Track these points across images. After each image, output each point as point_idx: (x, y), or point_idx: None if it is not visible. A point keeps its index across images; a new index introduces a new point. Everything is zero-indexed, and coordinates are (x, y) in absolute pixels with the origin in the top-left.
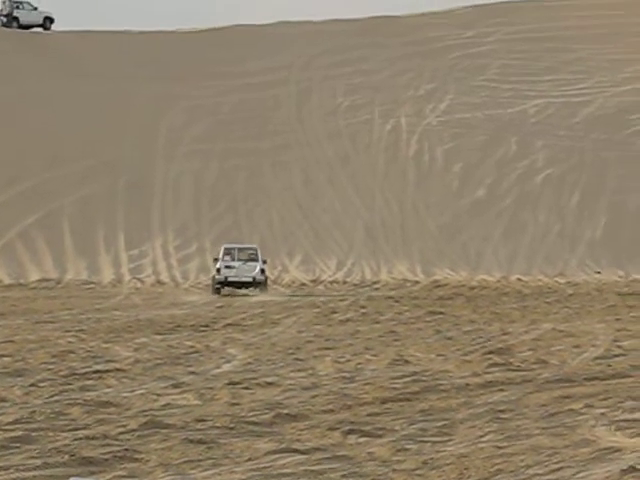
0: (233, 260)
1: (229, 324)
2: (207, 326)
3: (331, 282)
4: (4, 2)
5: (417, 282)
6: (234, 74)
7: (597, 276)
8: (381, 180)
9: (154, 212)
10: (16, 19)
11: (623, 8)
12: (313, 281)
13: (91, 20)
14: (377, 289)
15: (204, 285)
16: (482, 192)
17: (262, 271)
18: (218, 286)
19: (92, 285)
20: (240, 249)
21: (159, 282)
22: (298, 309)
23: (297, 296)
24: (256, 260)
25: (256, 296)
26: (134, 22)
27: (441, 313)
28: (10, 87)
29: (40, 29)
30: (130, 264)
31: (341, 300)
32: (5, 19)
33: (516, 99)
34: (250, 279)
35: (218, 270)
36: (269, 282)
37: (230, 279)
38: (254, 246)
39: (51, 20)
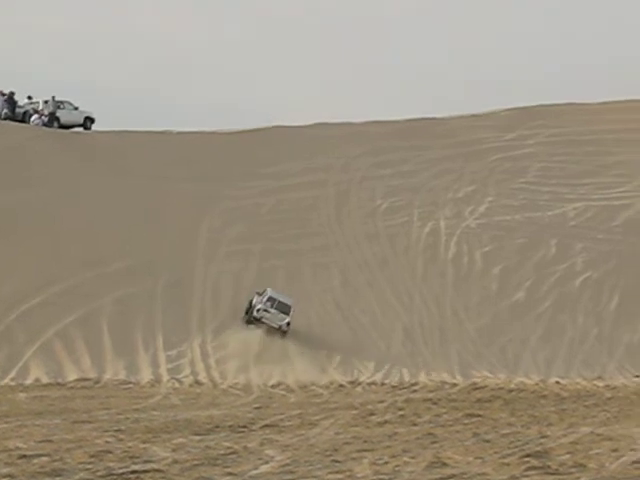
0: (272, 307)
1: (267, 425)
2: (245, 427)
3: (369, 383)
4: (46, 102)
5: (455, 384)
6: (272, 175)
7: (636, 380)
8: (420, 282)
9: (193, 312)
10: (57, 119)
11: None
12: (351, 382)
13: (131, 120)
14: (415, 391)
15: (242, 385)
16: (521, 295)
17: (288, 324)
18: (251, 320)
19: (130, 385)
20: (280, 302)
21: (197, 382)
22: (336, 410)
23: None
24: (288, 314)
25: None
26: (173, 123)
27: (479, 416)
28: (50, 186)
29: (81, 129)
30: (168, 364)
31: (379, 402)
32: (47, 119)
33: (555, 202)
34: (277, 327)
35: (258, 310)
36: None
37: (263, 320)
38: (290, 303)
39: (92, 120)
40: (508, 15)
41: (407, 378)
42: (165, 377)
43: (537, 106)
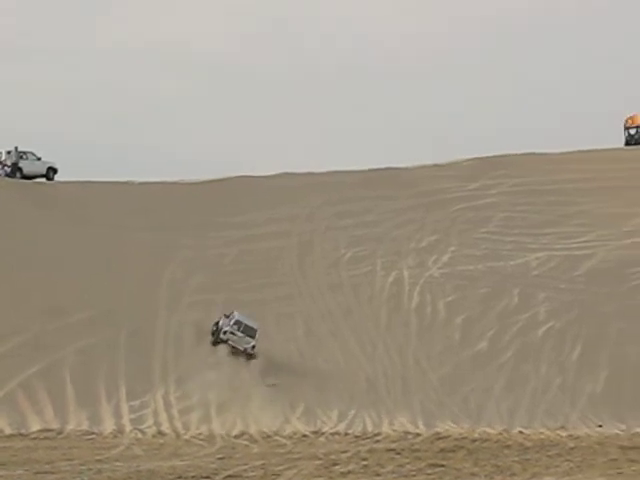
0: (239, 330)
1: (230, 475)
2: (208, 477)
3: (332, 433)
4: (9, 152)
5: (418, 434)
6: (236, 225)
7: (599, 429)
8: (383, 332)
9: (155, 362)
10: (20, 169)
11: (624, 162)
12: (315, 432)
13: (94, 171)
14: (378, 441)
15: (205, 436)
16: (483, 344)
17: (253, 347)
18: (218, 341)
19: (93, 435)
20: (246, 325)
21: (160, 433)
22: (299, 461)
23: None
24: (253, 337)
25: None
26: (136, 173)
27: (442, 466)
28: (11, 236)
29: (43, 179)
30: (131, 414)
31: (343, 452)
32: (9, 169)
33: (518, 251)
34: (242, 349)
35: (225, 332)
36: None
37: (229, 342)
38: (256, 327)
39: (54, 170)
40: (475, 66)
41: (370, 428)
42: (128, 427)
43: (499, 156)
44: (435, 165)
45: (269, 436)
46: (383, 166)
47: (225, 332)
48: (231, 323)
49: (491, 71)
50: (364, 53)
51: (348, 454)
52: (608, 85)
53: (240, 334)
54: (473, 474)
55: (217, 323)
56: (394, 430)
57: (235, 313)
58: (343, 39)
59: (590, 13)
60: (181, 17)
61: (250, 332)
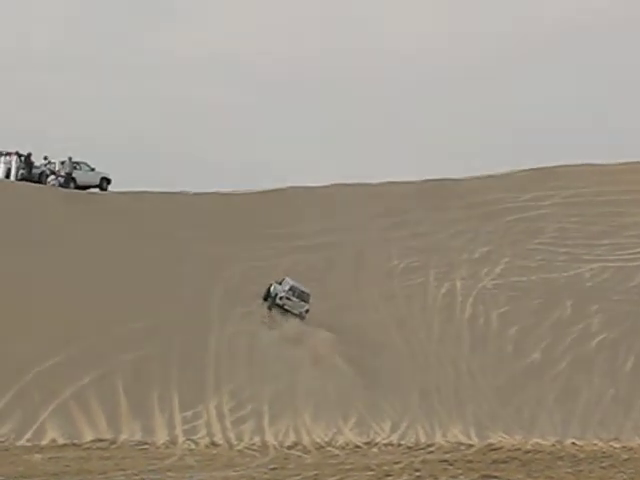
0: (293, 295)
1: None
2: None
3: (385, 444)
4: (62, 162)
5: (471, 445)
6: (289, 236)
7: None
8: (436, 343)
9: (209, 374)
10: (74, 179)
11: None
12: (367, 443)
13: (147, 181)
14: (431, 452)
15: (258, 446)
16: (537, 355)
17: (307, 311)
18: (273, 306)
19: (146, 446)
20: (301, 291)
21: (213, 443)
22: (352, 471)
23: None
24: (307, 302)
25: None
26: (189, 183)
27: (495, 477)
28: (65, 248)
29: (97, 189)
30: (184, 425)
31: (395, 463)
32: (63, 179)
33: (571, 263)
34: (298, 313)
35: (281, 298)
36: None
37: (285, 307)
38: (309, 292)
39: (108, 181)
40: (524, 74)
41: (423, 439)
42: (181, 438)
43: (552, 167)
44: (488, 176)
45: (322, 447)
46: (436, 177)
47: (281, 297)
48: (286, 289)
49: (549, 79)
50: (424, 60)
51: (401, 465)
52: None
53: (295, 299)
54: None
55: (268, 289)
56: (447, 441)
57: (287, 279)
58: (400, 49)
59: None
60: (230, 28)
61: (304, 297)
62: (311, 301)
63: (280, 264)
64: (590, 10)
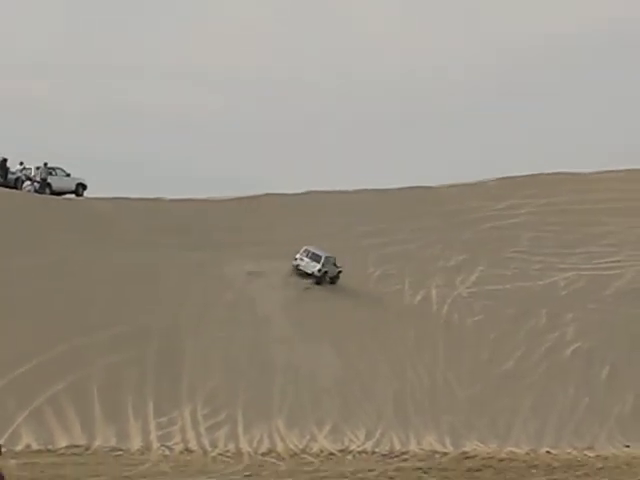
0: (306, 256)
1: None
2: None
3: (360, 452)
4: (38, 168)
5: (446, 453)
6: (264, 243)
7: (626, 450)
8: (411, 350)
9: (183, 380)
10: (49, 185)
11: None
12: (342, 451)
13: (123, 187)
14: (406, 460)
15: (232, 453)
16: (511, 364)
17: (319, 270)
18: (300, 273)
19: (120, 452)
20: (313, 253)
21: (188, 450)
22: (326, 479)
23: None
24: (318, 262)
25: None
26: (166, 190)
27: None
28: (41, 253)
29: (72, 195)
30: (159, 431)
31: (370, 470)
32: (38, 185)
33: (546, 271)
34: (310, 272)
35: (295, 259)
36: None
37: (299, 268)
38: (322, 254)
39: (84, 186)
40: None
41: (398, 446)
42: (155, 444)
43: (528, 175)
44: (464, 184)
45: (296, 454)
46: (412, 185)
47: (295, 259)
48: (300, 252)
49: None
50: (395, 69)
51: (375, 473)
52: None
53: (307, 259)
54: None
55: (297, 266)
56: (422, 449)
57: (305, 246)
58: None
59: None
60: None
61: (315, 258)
62: (339, 264)
63: (256, 271)
64: None
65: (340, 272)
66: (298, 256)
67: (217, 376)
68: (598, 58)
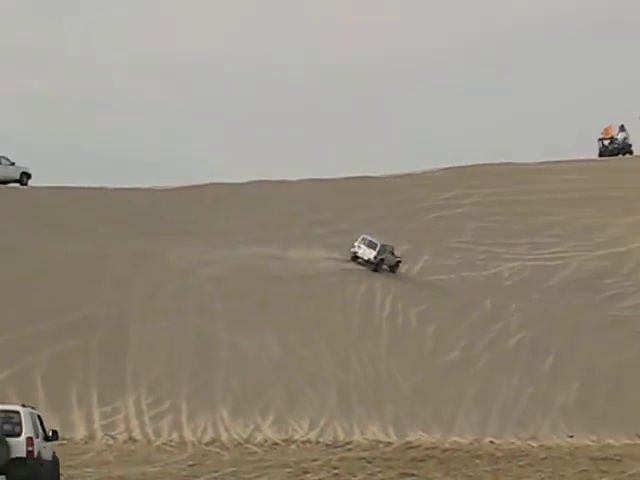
0: (364, 244)
1: None
2: None
3: (303, 442)
4: None
5: (389, 443)
6: (211, 233)
7: (570, 440)
8: (355, 340)
9: (127, 369)
10: None
11: (596, 173)
12: (285, 440)
13: (68, 176)
14: (349, 450)
15: (176, 443)
16: (455, 354)
17: (375, 257)
18: (357, 260)
19: (64, 441)
20: (370, 241)
21: (131, 439)
22: (270, 469)
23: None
24: (374, 249)
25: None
26: (110, 179)
27: (413, 475)
28: None
29: (17, 184)
30: (103, 420)
31: (313, 460)
32: None
33: (491, 261)
34: (367, 259)
35: (353, 247)
36: None
37: (358, 255)
38: (378, 242)
39: (28, 175)
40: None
41: (341, 436)
42: (99, 433)
43: (473, 165)
44: (409, 174)
45: (240, 444)
46: (357, 175)
47: (353, 246)
48: (358, 240)
49: (467, 79)
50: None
51: (319, 462)
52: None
53: (364, 247)
54: None
55: (355, 253)
56: (365, 439)
57: (363, 234)
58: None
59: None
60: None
61: (372, 245)
62: (397, 253)
63: (201, 261)
64: None
65: (399, 262)
66: (356, 244)
67: (161, 365)
68: (536, 53)
